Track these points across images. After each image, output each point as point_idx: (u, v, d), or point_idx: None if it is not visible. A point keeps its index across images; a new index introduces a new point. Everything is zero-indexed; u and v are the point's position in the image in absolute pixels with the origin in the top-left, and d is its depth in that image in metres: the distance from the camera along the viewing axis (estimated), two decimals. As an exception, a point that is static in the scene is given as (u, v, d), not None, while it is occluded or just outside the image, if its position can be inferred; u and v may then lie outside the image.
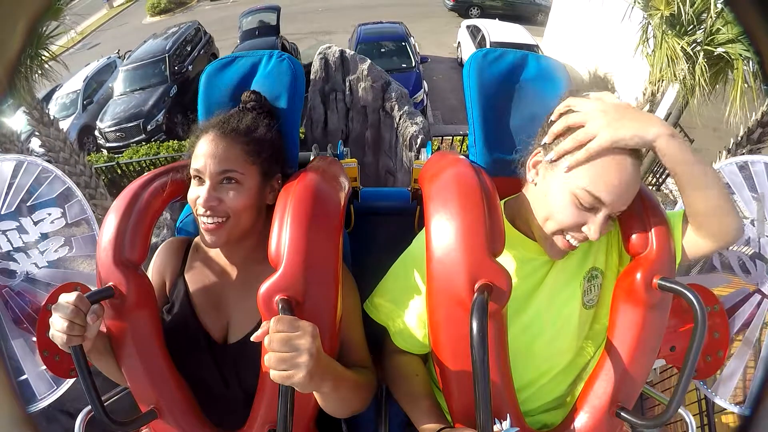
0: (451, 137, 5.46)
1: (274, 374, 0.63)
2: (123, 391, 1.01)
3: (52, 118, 4.68)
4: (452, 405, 0.81)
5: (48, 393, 1.21)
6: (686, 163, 0.72)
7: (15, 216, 1.23)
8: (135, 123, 7.70)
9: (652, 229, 0.80)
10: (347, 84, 5.40)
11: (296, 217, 0.76)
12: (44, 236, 1.25)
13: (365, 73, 5.29)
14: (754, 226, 1.19)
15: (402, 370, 0.93)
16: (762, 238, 1.19)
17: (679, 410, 0.91)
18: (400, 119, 5.19)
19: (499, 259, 0.74)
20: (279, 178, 0.92)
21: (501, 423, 0.71)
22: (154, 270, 0.96)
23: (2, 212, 1.22)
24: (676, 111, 4.70)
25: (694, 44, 3.43)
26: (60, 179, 1.26)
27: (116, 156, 6.77)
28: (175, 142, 6.59)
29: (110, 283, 0.80)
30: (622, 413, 0.79)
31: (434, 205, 0.80)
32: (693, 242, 0.81)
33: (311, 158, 1.10)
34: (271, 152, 0.90)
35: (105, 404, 0.76)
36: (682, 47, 3.37)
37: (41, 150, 5.09)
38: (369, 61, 5.40)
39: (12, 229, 1.23)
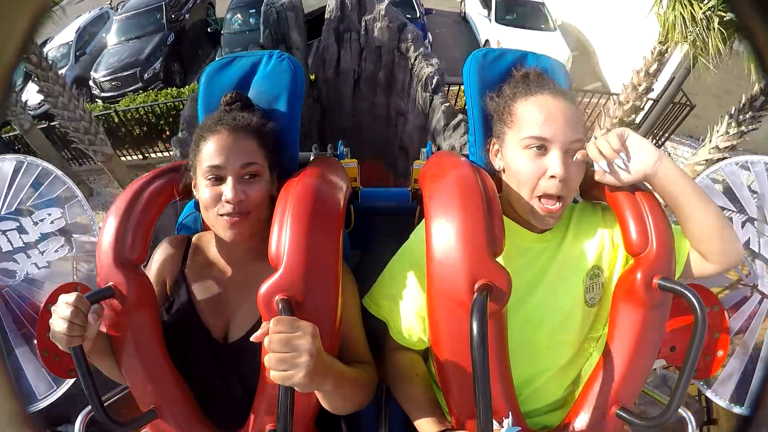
0: (458, 86, 5.47)
1: (274, 375, 0.63)
2: (123, 391, 1.01)
3: (50, 62, 4.64)
4: (452, 405, 0.81)
5: (48, 393, 1.22)
6: (686, 184, 0.80)
7: (15, 216, 1.23)
8: (131, 71, 7.48)
9: (653, 229, 0.80)
10: (363, 24, 5.33)
11: (296, 218, 0.76)
12: (44, 236, 1.25)
13: (382, 13, 5.22)
14: (754, 226, 1.19)
15: (402, 371, 0.93)
16: (762, 238, 1.19)
17: (679, 410, 0.91)
18: (415, 60, 5.12)
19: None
20: (276, 171, 0.94)
21: (503, 421, 0.71)
22: (153, 268, 0.96)
23: (2, 212, 1.22)
24: (681, 73, 4.77)
25: (708, 9, 3.44)
26: (60, 179, 1.26)
27: (112, 105, 6.61)
28: (174, 89, 6.44)
29: (110, 283, 0.80)
30: (622, 413, 0.79)
31: (434, 206, 0.80)
32: (698, 263, 0.85)
33: (311, 158, 1.10)
34: (273, 145, 0.92)
35: (105, 404, 0.76)
36: (697, 12, 3.37)
37: (39, 96, 5.04)
38: (387, 0, 5.27)
39: (12, 229, 1.23)
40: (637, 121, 4.94)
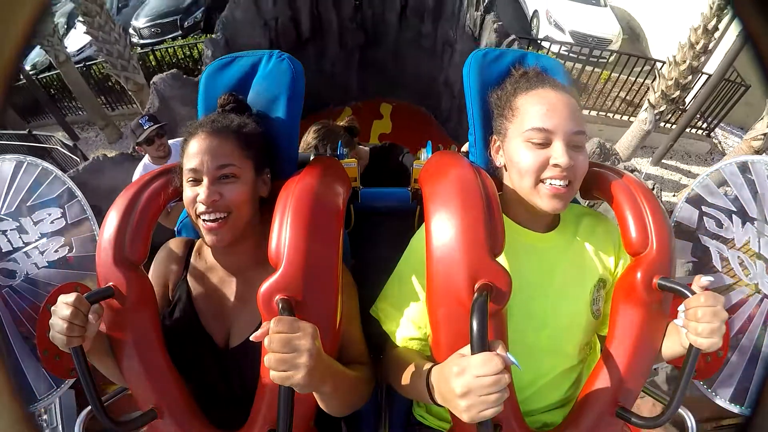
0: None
1: (274, 375, 0.63)
2: (123, 391, 1.01)
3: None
4: None
5: (48, 393, 1.21)
6: None
7: (15, 216, 1.23)
8: (172, 18, 7.48)
9: (652, 229, 0.80)
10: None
11: (296, 217, 0.76)
12: (44, 236, 1.24)
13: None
14: (754, 226, 1.19)
15: (401, 352, 0.90)
16: (762, 238, 1.18)
17: (679, 410, 0.91)
18: (467, -19, 4.73)
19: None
20: (268, 172, 0.94)
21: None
22: (155, 271, 0.95)
23: (2, 212, 1.22)
24: (734, 45, 4.58)
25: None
26: (60, 179, 1.26)
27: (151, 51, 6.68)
28: (215, 37, 6.40)
29: (110, 283, 0.80)
30: (622, 413, 0.79)
31: (434, 205, 0.80)
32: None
33: (311, 158, 1.10)
34: (260, 146, 0.92)
35: (105, 404, 0.76)
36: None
37: (78, 43, 5.63)
38: None
39: (12, 229, 1.23)
40: (691, 88, 4.66)
